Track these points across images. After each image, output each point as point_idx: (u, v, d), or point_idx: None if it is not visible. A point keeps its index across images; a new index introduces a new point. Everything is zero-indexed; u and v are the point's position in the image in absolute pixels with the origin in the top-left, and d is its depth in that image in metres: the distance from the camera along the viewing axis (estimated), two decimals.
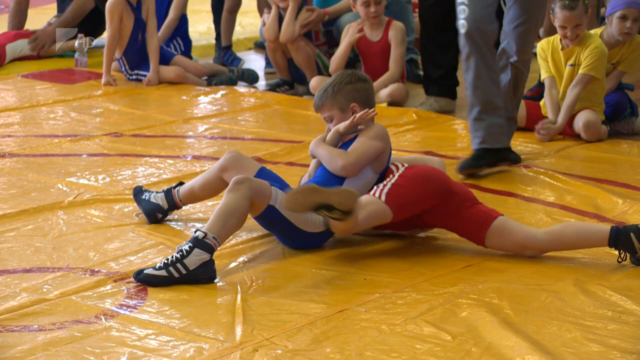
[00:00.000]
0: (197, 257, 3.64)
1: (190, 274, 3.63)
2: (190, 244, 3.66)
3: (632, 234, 3.77)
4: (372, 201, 3.91)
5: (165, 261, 3.65)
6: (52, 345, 3.14)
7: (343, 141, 4.16)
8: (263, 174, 4.13)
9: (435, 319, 3.34)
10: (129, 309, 3.42)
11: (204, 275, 3.65)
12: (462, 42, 5.17)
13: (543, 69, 6.05)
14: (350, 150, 4.06)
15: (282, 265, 3.86)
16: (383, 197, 3.91)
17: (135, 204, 4.41)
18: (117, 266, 3.82)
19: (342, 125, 4.13)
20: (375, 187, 3.97)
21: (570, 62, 5.89)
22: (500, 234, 3.92)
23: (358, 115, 4.10)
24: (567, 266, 3.82)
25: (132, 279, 3.66)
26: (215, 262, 3.72)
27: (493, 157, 5.16)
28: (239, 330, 3.24)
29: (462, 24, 5.16)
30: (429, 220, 4.04)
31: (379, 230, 4.10)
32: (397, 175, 4.00)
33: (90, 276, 3.71)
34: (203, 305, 3.48)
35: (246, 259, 3.90)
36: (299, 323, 3.30)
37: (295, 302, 3.48)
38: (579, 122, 5.82)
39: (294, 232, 3.96)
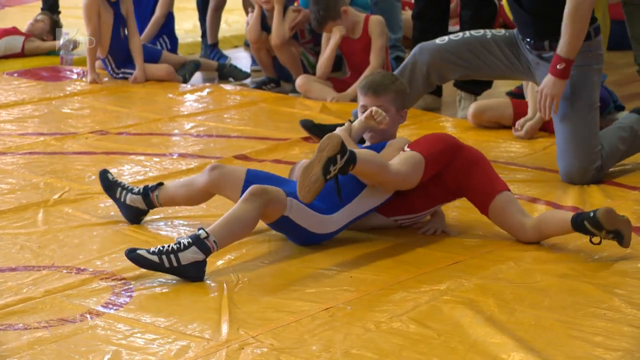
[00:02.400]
0: (192, 255, 3.63)
1: (181, 268, 3.62)
2: (189, 240, 3.64)
3: (585, 222, 3.83)
4: (406, 155, 4.02)
5: (161, 248, 3.63)
6: (37, 343, 3.13)
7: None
8: (251, 176, 4.11)
9: (420, 316, 3.34)
10: (114, 308, 3.42)
11: (192, 274, 3.64)
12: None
13: None
14: (402, 164, 4.03)
15: (268, 263, 3.86)
16: (407, 149, 4.06)
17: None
18: (103, 265, 3.81)
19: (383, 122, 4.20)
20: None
21: None
22: (500, 212, 4.06)
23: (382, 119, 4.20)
24: (552, 263, 3.83)
25: (117, 277, 3.66)
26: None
27: None
28: (225, 328, 3.24)
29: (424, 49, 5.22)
30: (448, 180, 4.09)
31: (399, 217, 4.17)
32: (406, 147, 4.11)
33: (75, 275, 3.71)
34: (189, 304, 3.47)
35: (232, 257, 3.89)
36: (285, 321, 3.30)
37: (281, 300, 3.48)
38: None
39: (307, 235, 3.96)
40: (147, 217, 4.30)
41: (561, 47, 4.68)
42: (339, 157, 3.73)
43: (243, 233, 3.78)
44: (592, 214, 3.82)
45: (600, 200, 4.61)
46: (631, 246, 3.99)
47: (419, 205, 4.14)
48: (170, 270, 3.62)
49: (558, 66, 4.69)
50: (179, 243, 3.64)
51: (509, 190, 4.11)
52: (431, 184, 4.09)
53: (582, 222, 3.84)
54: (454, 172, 4.10)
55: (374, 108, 4.21)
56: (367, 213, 4.08)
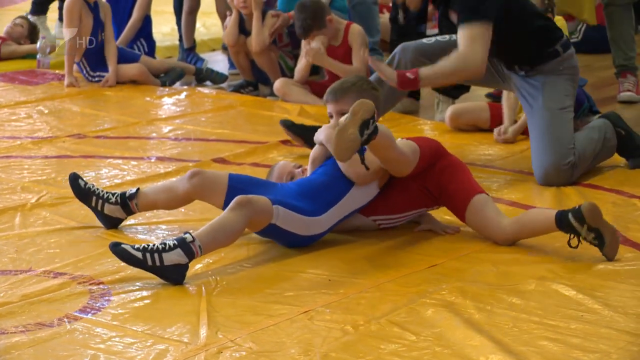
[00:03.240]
0: (176, 257, 3.62)
1: (163, 268, 3.61)
2: (175, 242, 3.64)
3: (570, 214, 3.85)
4: (405, 142, 4.10)
5: (146, 246, 3.63)
6: (14, 348, 3.12)
7: None
8: (234, 180, 4.11)
9: (399, 319, 3.35)
10: (92, 312, 3.41)
11: (173, 276, 3.63)
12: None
13: None
14: (371, 160, 3.99)
15: (247, 266, 3.85)
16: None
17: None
18: (81, 269, 3.80)
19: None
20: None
21: None
22: (477, 214, 4.08)
23: None
24: (531, 266, 3.85)
25: (95, 281, 3.65)
26: None
27: None
28: (203, 332, 3.23)
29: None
30: (431, 181, 4.12)
31: (377, 217, 4.18)
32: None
33: (53, 279, 3.69)
34: (167, 307, 3.46)
35: (211, 261, 3.89)
36: (264, 324, 3.30)
37: (259, 304, 3.48)
38: None
39: (296, 239, 3.97)
40: (125, 221, 4.29)
41: (425, 70, 4.81)
42: (371, 121, 3.74)
43: (228, 241, 3.79)
44: (577, 207, 3.85)
45: (577, 202, 4.63)
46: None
47: (399, 205, 4.14)
48: (152, 269, 3.61)
49: (409, 75, 4.82)
50: (165, 244, 3.63)
51: (487, 193, 4.12)
52: (413, 183, 4.11)
53: (566, 216, 3.85)
54: (437, 173, 4.13)
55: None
56: (353, 212, 4.09)
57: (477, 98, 6.77)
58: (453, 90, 6.62)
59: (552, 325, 3.30)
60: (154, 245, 3.63)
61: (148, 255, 3.61)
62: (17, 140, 5.82)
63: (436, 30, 7.00)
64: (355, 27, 7.03)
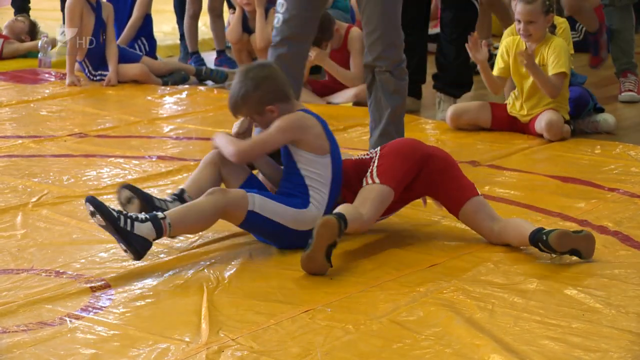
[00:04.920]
0: (145, 230, 3.71)
1: (131, 234, 3.69)
2: (147, 216, 3.74)
3: (539, 243, 3.86)
4: (370, 189, 3.99)
5: (122, 211, 3.73)
6: (16, 347, 3.12)
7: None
8: (251, 180, 4.15)
9: (400, 318, 3.35)
10: (94, 311, 3.41)
11: (137, 246, 3.70)
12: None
13: (497, 66, 6.03)
14: (252, 138, 4.08)
15: (248, 265, 3.85)
16: (377, 180, 3.99)
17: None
18: (82, 268, 3.80)
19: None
20: (364, 179, 4.03)
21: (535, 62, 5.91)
22: (469, 218, 4.09)
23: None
24: (532, 265, 3.85)
25: (97, 280, 3.65)
26: (182, 261, 3.77)
27: None
28: (204, 331, 3.23)
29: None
30: (417, 189, 4.12)
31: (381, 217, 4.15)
32: (376, 158, 4.08)
33: (55, 278, 3.69)
34: (169, 306, 3.47)
35: (213, 260, 3.89)
36: (265, 323, 3.30)
37: (261, 303, 3.48)
38: (542, 122, 5.85)
39: (284, 232, 3.96)
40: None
41: None
42: (337, 240, 3.75)
43: (198, 225, 3.84)
44: (545, 237, 3.83)
45: (578, 202, 4.64)
46: (609, 249, 4.01)
47: (390, 208, 4.13)
48: (120, 231, 3.68)
49: None
50: (137, 216, 3.73)
51: (478, 194, 4.10)
52: (402, 193, 4.10)
53: (537, 243, 3.88)
54: (423, 182, 4.10)
55: None
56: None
57: (479, 97, 6.77)
58: (455, 90, 6.62)
59: (553, 325, 3.30)
60: (129, 213, 3.73)
61: (122, 217, 3.70)
62: (18, 140, 5.82)
63: (437, 30, 7.02)
64: (355, 32, 7.03)
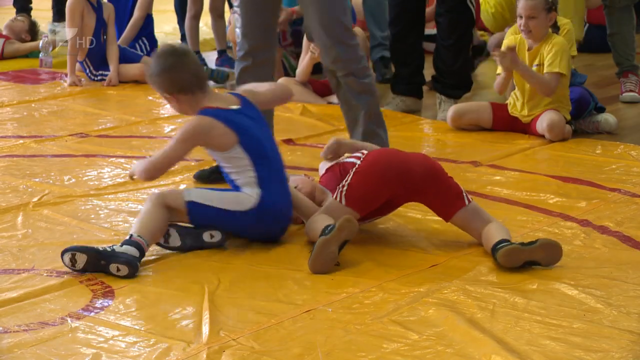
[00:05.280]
0: (127, 250, 3.75)
1: (115, 253, 3.73)
2: (121, 243, 3.80)
3: (494, 258, 3.83)
4: (335, 207, 4.00)
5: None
6: (17, 347, 3.12)
7: None
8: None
9: (401, 318, 3.35)
10: (95, 311, 3.41)
11: (126, 258, 3.71)
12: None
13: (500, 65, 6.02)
14: (155, 154, 4.09)
15: (249, 265, 3.85)
16: (343, 201, 3.99)
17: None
18: None
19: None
20: (337, 188, 4.02)
21: (536, 62, 5.90)
22: (460, 226, 4.05)
23: None
24: (542, 267, 3.83)
25: (98, 280, 3.65)
26: (183, 261, 3.78)
27: None
28: (205, 331, 3.23)
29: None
30: (397, 203, 4.11)
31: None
32: (352, 172, 4.03)
33: (56, 277, 3.70)
34: (170, 306, 3.47)
35: (213, 260, 3.89)
36: (266, 323, 3.31)
37: (262, 303, 3.48)
38: (543, 122, 5.85)
39: (228, 215, 4.00)
40: (120, 219, 4.29)
41: None
42: (349, 240, 3.83)
43: (158, 225, 3.90)
44: (495, 255, 3.80)
45: (579, 202, 4.64)
46: (610, 249, 4.01)
47: (372, 215, 4.15)
48: (104, 254, 3.72)
49: None
50: (113, 246, 3.79)
51: (465, 204, 4.01)
52: (385, 206, 4.10)
53: (494, 257, 3.84)
54: (405, 196, 4.06)
55: None
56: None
57: (478, 97, 6.77)
58: (454, 91, 6.62)
59: (554, 325, 3.30)
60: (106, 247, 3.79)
61: (100, 248, 3.76)
62: (19, 140, 5.82)
63: (434, 30, 7.03)
64: (357, 32, 7.02)
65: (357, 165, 4.04)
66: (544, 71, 5.82)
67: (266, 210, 4.01)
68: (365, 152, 4.15)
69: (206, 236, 4.00)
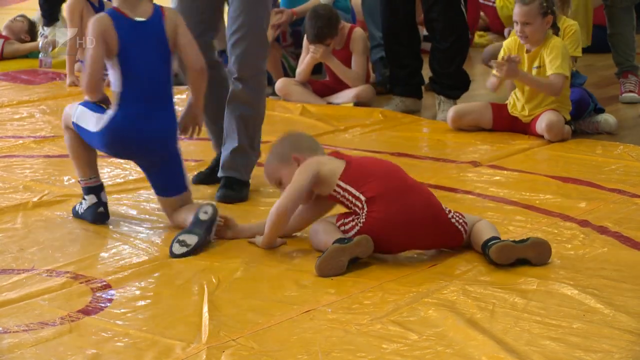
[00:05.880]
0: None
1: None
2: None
3: (486, 256, 3.83)
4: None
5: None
6: (17, 347, 3.12)
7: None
8: None
9: (401, 318, 3.35)
10: (95, 311, 3.41)
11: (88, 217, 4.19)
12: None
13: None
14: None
15: (249, 265, 3.86)
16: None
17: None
18: (83, 268, 3.80)
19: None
20: (349, 221, 3.94)
21: (535, 64, 5.90)
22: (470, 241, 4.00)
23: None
24: (533, 265, 3.84)
25: (98, 280, 3.65)
26: (183, 261, 3.81)
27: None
28: (205, 331, 3.23)
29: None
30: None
31: None
32: (357, 226, 3.92)
33: (55, 278, 3.70)
34: (169, 307, 3.47)
35: (213, 260, 3.89)
36: (266, 324, 3.31)
37: (262, 303, 3.48)
38: (542, 122, 5.85)
39: (90, 137, 4.17)
40: (119, 219, 4.30)
41: None
42: (362, 258, 3.81)
43: (80, 152, 4.25)
44: (487, 251, 3.81)
45: (578, 203, 4.64)
46: (609, 249, 4.01)
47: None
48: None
49: None
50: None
51: (462, 238, 3.96)
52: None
53: (485, 255, 3.84)
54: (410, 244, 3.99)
55: None
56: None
57: (478, 98, 6.77)
58: (452, 91, 6.62)
59: (554, 325, 3.30)
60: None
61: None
62: (19, 140, 5.82)
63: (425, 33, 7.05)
64: (358, 32, 7.04)
65: (361, 224, 3.90)
66: (547, 73, 5.82)
67: (111, 132, 4.10)
68: (362, 197, 3.92)
69: (202, 215, 4.03)
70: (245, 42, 4.64)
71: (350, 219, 3.93)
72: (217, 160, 4.92)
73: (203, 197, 4.67)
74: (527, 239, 3.84)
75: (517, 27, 5.85)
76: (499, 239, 3.85)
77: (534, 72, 5.89)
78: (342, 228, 3.94)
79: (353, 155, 4.16)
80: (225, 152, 4.78)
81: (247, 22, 4.64)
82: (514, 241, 3.83)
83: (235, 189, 4.71)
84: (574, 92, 6.05)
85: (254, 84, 4.71)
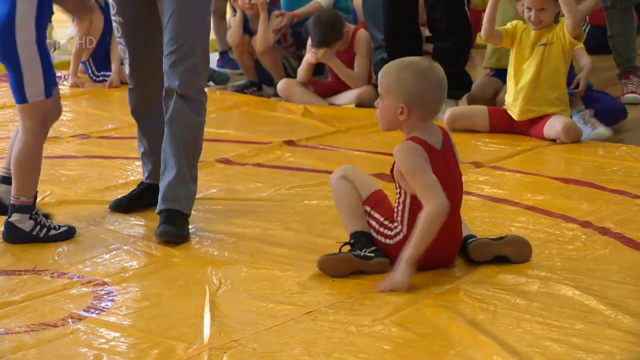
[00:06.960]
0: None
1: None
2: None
3: (465, 254, 3.83)
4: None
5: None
6: (19, 348, 3.12)
7: None
8: None
9: (402, 319, 3.35)
10: (96, 312, 3.41)
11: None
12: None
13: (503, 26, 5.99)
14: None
15: (250, 266, 3.86)
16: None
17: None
18: (85, 269, 3.81)
19: None
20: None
21: (542, 42, 5.87)
22: None
23: None
24: (534, 266, 3.84)
25: (99, 281, 3.66)
26: (184, 262, 3.80)
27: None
28: (207, 332, 3.23)
29: None
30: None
31: None
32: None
33: (57, 279, 3.70)
34: (171, 307, 3.47)
35: (215, 261, 3.89)
36: (268, 325, 3.31)
37: (263, 304, 3.48)
38: (557, 126, 5.79)
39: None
40: (121, 220, 4.30)
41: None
42: (367, 271, 3.73)
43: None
44: (465, 249, 3.81)
45: (580, 204, 4.64)
46: (610, 250, 4.01)
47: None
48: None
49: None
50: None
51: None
52: None
53: (464, 253, 3.84)
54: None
55: None
56: None
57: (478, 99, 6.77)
58: (454, 91, 6.61)
59: (555, 326, 3.30)
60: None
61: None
62: None
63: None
64: (362, 34, 7.05)
65: (401, 237, 3.74)
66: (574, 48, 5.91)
67: None
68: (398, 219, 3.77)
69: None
70: (189, 60, 4.19)
71: (396, 224, 3.75)
72: (142, 189, 4.56)
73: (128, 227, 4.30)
74: (505, 236, 3.87)
75: (529, 14, 5.83)
76: (476, 237, 3.87)
77: (538, 49, 5.86)
78: (383, 230, 3.79)
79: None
80: (164, 181, 4.23)
81: (190, 41, 4.19)
82: (491, 239, 3.85)
83: (177, 225, 4.12)
84: (605, 100, 6.09)
85: (196, 106, 4.28)
